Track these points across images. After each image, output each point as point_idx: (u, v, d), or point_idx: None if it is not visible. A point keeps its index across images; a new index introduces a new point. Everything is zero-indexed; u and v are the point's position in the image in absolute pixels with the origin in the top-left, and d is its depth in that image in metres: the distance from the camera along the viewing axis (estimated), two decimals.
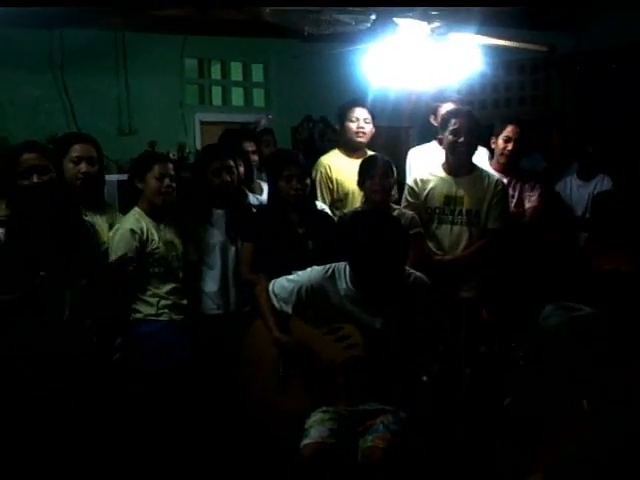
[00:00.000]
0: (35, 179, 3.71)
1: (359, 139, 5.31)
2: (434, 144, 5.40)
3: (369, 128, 5.32)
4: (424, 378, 3.58)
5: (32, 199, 3.63)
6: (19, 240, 3.59)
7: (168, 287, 4.25)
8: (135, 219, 4.21)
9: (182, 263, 4.34)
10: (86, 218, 4.00)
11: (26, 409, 3.48)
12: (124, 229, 4.16)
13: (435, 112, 5.51)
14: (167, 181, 4.23)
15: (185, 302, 4.30)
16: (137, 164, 4.44)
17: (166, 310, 4.22)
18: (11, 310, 3.51)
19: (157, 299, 4.21)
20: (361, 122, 5.30)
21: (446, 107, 5.38)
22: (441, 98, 5.53)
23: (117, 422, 3.90)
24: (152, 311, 4.20)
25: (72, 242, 3.70)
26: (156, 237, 4.22)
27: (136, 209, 4.25)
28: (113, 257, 4.11)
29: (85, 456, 3.64)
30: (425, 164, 5.30)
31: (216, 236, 4.45)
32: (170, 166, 4.31)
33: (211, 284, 4.42)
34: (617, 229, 4.53)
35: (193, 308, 4.36)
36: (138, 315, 4.20)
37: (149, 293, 4.21)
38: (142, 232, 4.17)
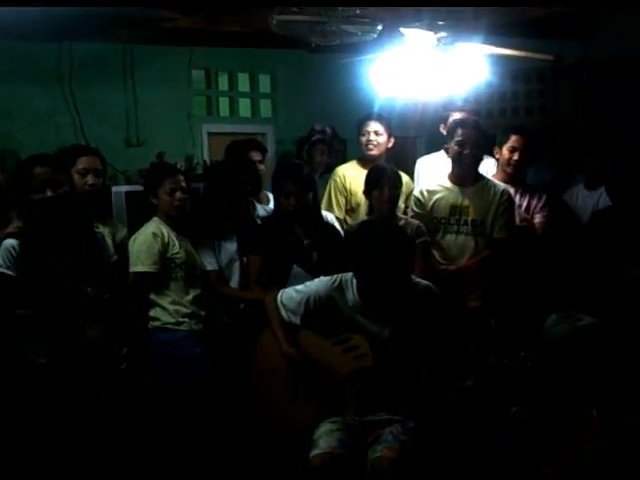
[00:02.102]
0: (49, 193, 3.73)
1: (370, 152, 5.44)
2: (442, 153, 5.41)
3: (382, 140, 5.41)
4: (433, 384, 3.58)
5: (47, 213, 3.67)
6: (34, 253, 3.61)
7: (190, 296, 4.27)
8: (156, 225, 4.25)
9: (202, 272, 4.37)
10: (97, 230, 4.03)
11: (38, 418, 3.51)
12: (147, 233, 4.20)
13: (445, 121, 5.53)
14: (179, 195, 4.27)
15: (204, 313, 4.31)
16: (148, 180, 4.47)
17: (186, 319, 4.23)
18: (27, 323, 3.54)
19: (177, 307, 4.22)
20: (371, 135, 5.42)
21: (455, 116, 5.40)
22: (451, 107, 5.55)
23: (128, 431, 3.92)
24: (172, 319, 4.21)
25: (86, 254, 3.74)
26: (177, 243, 4.25)
27: (155, 218, 4.30)
28: (135, 261, 4.14)
29: (95, 464, 3.66)
30: (434, 173, 5.32)
31: (231, 248, 4.46)
32: (181, 178, 4.34)
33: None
34: (621, 241, 4.51)
35: (211, 319, 4.36)
36: (157, 323, 4.21)
37: (169, 300, 4.22)
38: (164, 236, 4.21)
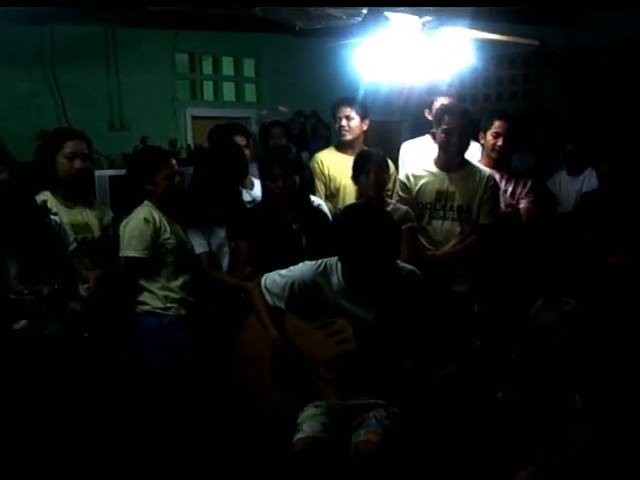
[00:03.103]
0: None
1: (343, 137, 5.42)
2: (427, 138, 5.41)
3: (354, 124, 5.39)
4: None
5: None
6: None
7: (179, 281, 4.27)
8: (148, 210, 4.24)
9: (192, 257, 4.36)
10: (53, 217, 3.92)
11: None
12: (138, 219, 4.18)
13: (430, 106, 5.52)
14: (176, 179, 4.28)
15: (192, 299, 4.30)
16: (141, 165, 4.41)
17: (175, 305, 4.22)
18: None
19: (166, 292, 4.21)
20: (343, 120, 5.40)
21: (441, 101, 5.39)
22: (436, 92, 5.54)
23: (113, 418, 3.92)
24: (160, 304, 4.20)
25: (35, 242, 3.64)
26: (168, 228, 4.24)
27: (147, 202, 4.28)
28: (126, 246, 4.12)
29: (80, 455, 3.65)
30: (418, 158, 5.32)
31: (220, 233, 4.46)
32: (174, 162, 4.33)
33: None
34: (607, 226, 4.53)
35: (199, 304, 4.35)
36: (145, 307, 4.21)
37: (158, 285, 4.22)
38: (155, 221, 4.20)
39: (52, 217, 3.87)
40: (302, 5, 4.33)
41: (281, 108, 7.93)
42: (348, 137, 5.41)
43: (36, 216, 3.75)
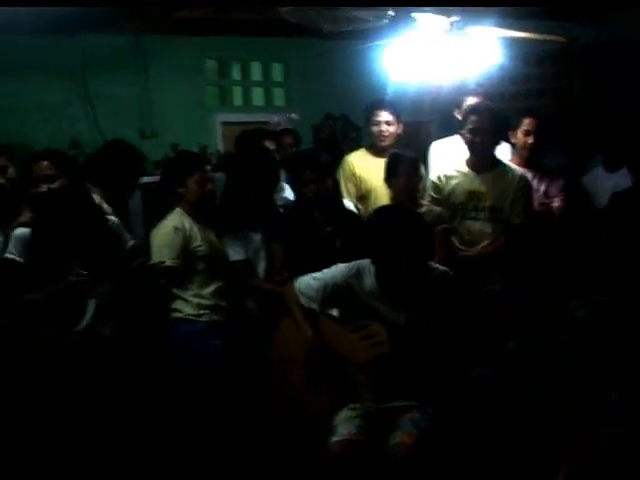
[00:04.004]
0: (44, 188, 3.77)
1: (382, 143, 5.34)
2: (457, 138, 5.38)
3: (393, 129, 5.32)
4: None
5: (42, 207, 3.74)
6: (42, 241, 3.68)
7: (212, 287, 4.26)
8: (178, 217, 4.24)
9: (225, 263, 4.37)
10: (110, 217, 4.04)
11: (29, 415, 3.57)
12: (167, 227, 4.19)
13: (459, 106, 5.48)
14: (209, 185, 4.28)
15: (224, 304, 4.32)
16: (175, 168, 4.43)
17: (207, 311, 4.23)
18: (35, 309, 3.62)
19: (199, 299, 4.22)
20: (382, 126, 5.31)
21: (470, 100, 5.37)
22: (465, 91, 5.51)
23: (144, 422, 3.95)
24: (193, 311, 4.21)
25: (95, 244, 3.79)
26: (199, 236, 4.24)
27: (178, 209, 4.27)
28: (157, 255, 4.15)
29: (110, 456, 3.70)
30: (448, 157, 5.29)
31: (256, 237, 4.47)
32: (208, 168, 4.35)
33: None
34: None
35: (236, 309, 4.36)
36: (178, 314, 4.21)
37: (191, 293, 4.22)
38: (185, 230, 4.19)
39: (109, 217, 4.04)
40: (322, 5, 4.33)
41: (292, 115, 7.93)
42: (387, 143, 5.33)
43: (94, 217, 3.90)
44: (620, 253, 4.34)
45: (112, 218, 4.08)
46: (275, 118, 7.65)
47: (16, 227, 3.84)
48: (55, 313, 3.71)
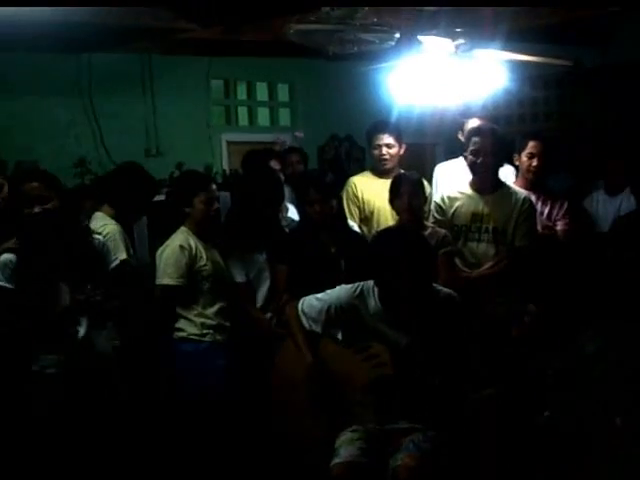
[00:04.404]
0: (37, 209, 3.77)
1: (384, 166, 5.35)
2: (461, 160, 5.39)
3: (394, 152, 5.33)
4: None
5: (34, 228, 3.74)
6: (29, 267, 3.67)
7: (215, 307, 4.27)
8: (184, 237, 4.25)
9: (229, 283, 4.37)
10: (96, 237, 4.04)
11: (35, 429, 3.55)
12: (173, 246, 4.20)
13: (462, 128, 5.50)
14: (215, 204, 4.29)
15: (228, 324, 4.32)
16: (182, 188, 4.45)
17: (211, 331, 4.23)
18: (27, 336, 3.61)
19: (203, 319, 4.23)
20: (383, 149, 5.33)
21: (472, 123, 5.38)
22: (467, 114, 5.52)
23: (149, 441, 3.95)
24: (197, 331, 4.21)
25: (82, 264, 3.79)
26: (204, 255, 4.25)
27: (183, 229, 4.29)
28: (162, 274, 4.16)
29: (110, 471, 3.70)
30: (453, 180, 5.29)
31: (260, 258, 4.47)
32: (215, 188, 4.36)
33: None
34: None
35: (239, 329, 4.37)
36: (181, 334, 4.22)
37: (195, 313, 4.23)
38: (191, 249, 4.20)
39: (96, 236, 4.04)
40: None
41: (297, 134, 7.95)
42: (389, 165, 5.33)
43: (81, 236, 3.91)
44: (625, 275, 4.33)
45: (98, 237, 4.07)
46: (281, 137, 7.67)
47: (2, 252, 3.82)
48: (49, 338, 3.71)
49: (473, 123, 5.36)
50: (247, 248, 4.45)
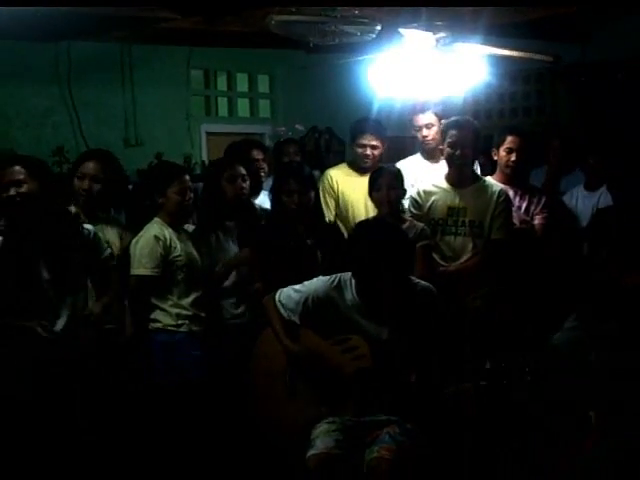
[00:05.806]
0: (12, 192, 3.75)
1: (365, 165, 5.31)
2: (417, 156, 5.44)
3: (377, 152, 5.29)
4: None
5: (11, 210, 3.70)
6: (12, 247, 3.65)
7: (191, 298, 4.26)
8: (158, 227, 4.23)
9: (204, 273, 4.36)
10: (86, 226, 4.01)
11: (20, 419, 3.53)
12: (148, 236, 4.18)
13: (413, 123, 5.52)
14: (188, 194, 4.28)
15: (204, 314, 4.32)
16: (156, 178, 4.43)
17: (186, 321, 4.22)
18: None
19: (178, 310, 4.21)
20: (368, 150, 5.28)
21: (422, 118, 5.40)
22: (420, 109, 5.51)
23: (121, 432, 3.93)
24: (172, 322, 4.20)
25: (67, 250, 3.76)
26: (178, 245, 4.23)
27: (157, 219, 4.27)
28: (137, 264, 4.14)
29: (85, 467, 3.68)
30: (409, 177, 5.24)
31: (232, 247, 4.47)
32: (188, 178, 4.34)
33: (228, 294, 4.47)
34: (622, 244, 4.50)
35: (213, 319, 4.36)
36: (157, 325, 4.20)
37: (170, 303, 4.22)
38: (166, 239, 4.19)
39: (85, 226, 3.98)
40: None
41: (297, 126, 7.95)
42: (370, 164, 5.26)
43: (68, 225, 3.87)
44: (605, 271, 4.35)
45: (88, 227, 4.04)
46: (283, 128, 7.69)
47: None
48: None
49: (423, 118, 5.38)
50: (218, 234, 4.46)
